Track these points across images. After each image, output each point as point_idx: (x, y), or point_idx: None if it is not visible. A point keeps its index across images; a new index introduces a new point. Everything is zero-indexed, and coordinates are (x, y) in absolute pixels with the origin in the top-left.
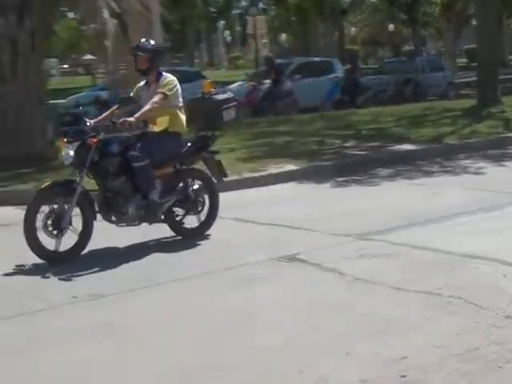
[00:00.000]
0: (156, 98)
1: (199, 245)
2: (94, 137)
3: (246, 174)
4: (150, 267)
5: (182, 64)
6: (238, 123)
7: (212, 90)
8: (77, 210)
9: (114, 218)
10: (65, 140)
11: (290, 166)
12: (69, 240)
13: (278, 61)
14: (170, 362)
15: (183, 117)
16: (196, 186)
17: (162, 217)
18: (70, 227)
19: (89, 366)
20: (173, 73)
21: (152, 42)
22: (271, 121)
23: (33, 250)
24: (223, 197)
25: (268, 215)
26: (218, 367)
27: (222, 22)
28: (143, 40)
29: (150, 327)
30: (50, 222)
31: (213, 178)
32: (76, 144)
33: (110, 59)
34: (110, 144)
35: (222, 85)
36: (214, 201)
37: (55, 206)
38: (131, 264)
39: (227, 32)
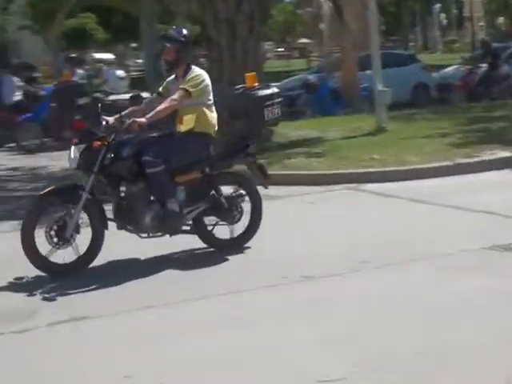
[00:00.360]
0: (175, 95)
1: (414, 231)
2: (103, 138)
3: (459, 159)
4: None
5: (395, 47)
6: (452, 107)
7: (255, 84)
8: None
9: (129, 228)
10: (74, 141)
11: (505, 153)
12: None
13: (495, 44)
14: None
15: (213, 115)
16: (231, 193)
17: (188, 227)
18: (78, 237)
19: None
20: (386, 56)
21: (184, 32)
22: (486, 106)
23: (32, 262)
24: (435, 182)
25: (482, 202)
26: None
27: (438, 5)
28: (173, 29)
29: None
30: (53, 231)
31: (254, 184)
32: (82, 147)
33: (325, 42)
34: (121, 147)
35: (437, 68)
36: (256, 209)
37: (59, 214)
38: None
39: (443, 15)
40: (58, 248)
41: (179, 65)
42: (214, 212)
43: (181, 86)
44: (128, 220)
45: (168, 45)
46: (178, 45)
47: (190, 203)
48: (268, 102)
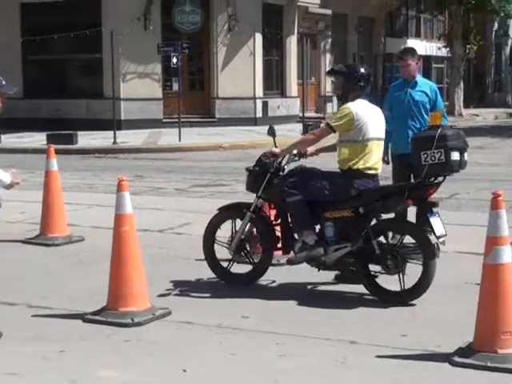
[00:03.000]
0: (316, 129)
1: None
2: (266, 165)
3: None
4: None
5: None
6: None
7: (437, 123)
8: None
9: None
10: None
11: None
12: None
13: None
14: None
15: (363, 153)
16: (394, 241)
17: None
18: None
19: None
20: None
21: (350, 66)
22: None
23: (210, 267)
24: None
25: None
26: None
27: None
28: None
29: None
30: (231, 242)
31: (426, 235)
32: (248, 172)
33: None
34: (281, 175)
35: None
36: (426, 264)
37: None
38: None
39: None
40: (235, 260)
41: (345, 99)
42: (363, 256)
43: (326, 121)
44: (287, 246)
45: (333, 79)
46: (341, 78)
47: (338, 241)
48: (426, 145)
